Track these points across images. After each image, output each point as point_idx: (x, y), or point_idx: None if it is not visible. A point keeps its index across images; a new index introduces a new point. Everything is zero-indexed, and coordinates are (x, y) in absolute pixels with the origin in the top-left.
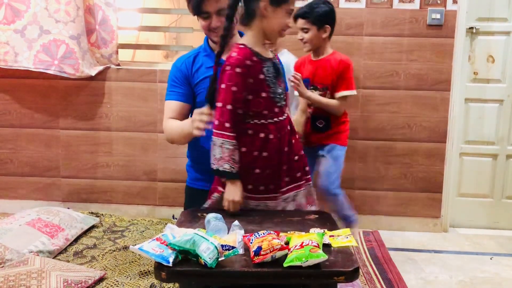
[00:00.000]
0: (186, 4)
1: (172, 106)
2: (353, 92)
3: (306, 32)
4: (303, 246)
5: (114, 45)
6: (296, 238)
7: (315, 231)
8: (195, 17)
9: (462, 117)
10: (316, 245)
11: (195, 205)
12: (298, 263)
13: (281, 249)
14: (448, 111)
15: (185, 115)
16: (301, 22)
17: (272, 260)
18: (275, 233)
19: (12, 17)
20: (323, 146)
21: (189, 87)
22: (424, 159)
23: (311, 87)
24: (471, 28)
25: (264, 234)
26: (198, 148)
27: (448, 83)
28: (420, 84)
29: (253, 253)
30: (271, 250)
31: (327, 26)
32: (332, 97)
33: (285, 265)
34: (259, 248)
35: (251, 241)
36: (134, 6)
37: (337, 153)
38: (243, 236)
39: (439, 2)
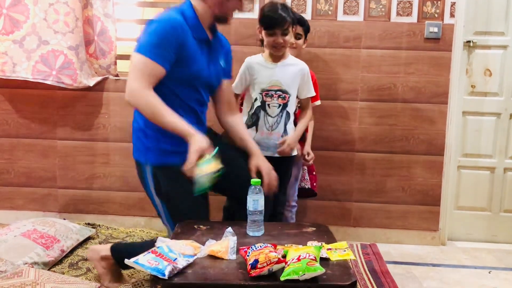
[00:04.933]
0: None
1: (157, 72)
2: None
3: (299, 39)
4: (300, 259)
5: (112, 56)
6: (293, 251)
7: (312, 244)
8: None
9: (459, 130)
10: (314, 258)
11: (179, 189)
12: (295, 277)
13: (278, 262)
14: (446, 124)
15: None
16: (299, 29)
17: (269, 273)
18: (272, 246)
19: (11, 28)
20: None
21: (175, 54)
22: (422, 172)
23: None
24: (468, 41)
25: (261, 247)
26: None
27: (445, 96)
28: (418, 97)
29: (249, 266)
30: (268, 263)
31: None
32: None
33: (282, 278)
34: (256, 261)
35: (248, 253)
36: (133, 18)
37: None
38: (240, 249)
39: (436, 16)
